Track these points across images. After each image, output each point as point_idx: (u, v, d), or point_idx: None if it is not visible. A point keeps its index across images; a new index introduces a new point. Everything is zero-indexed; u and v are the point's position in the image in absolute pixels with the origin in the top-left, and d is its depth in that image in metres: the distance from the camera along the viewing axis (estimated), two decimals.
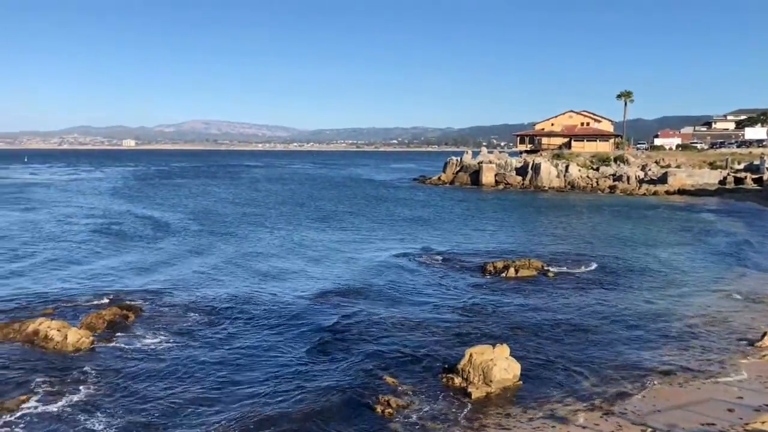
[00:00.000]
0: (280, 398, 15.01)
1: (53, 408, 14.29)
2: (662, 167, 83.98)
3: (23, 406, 14.34)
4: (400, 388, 15.65)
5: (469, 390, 15.42)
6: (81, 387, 15.53)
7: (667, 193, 74.95)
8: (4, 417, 13.75)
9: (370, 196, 75.99)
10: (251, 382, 16.06)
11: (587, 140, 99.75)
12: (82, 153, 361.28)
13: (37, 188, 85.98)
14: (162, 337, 19.59)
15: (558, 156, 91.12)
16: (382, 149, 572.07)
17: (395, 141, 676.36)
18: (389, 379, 16.17)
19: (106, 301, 23.53)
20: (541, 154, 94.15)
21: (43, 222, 47.43)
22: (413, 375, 16.61)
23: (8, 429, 13.29)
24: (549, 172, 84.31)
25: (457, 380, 15.98)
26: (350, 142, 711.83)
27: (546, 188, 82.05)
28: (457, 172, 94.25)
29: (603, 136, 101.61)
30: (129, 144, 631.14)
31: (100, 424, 13.58)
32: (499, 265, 30.04)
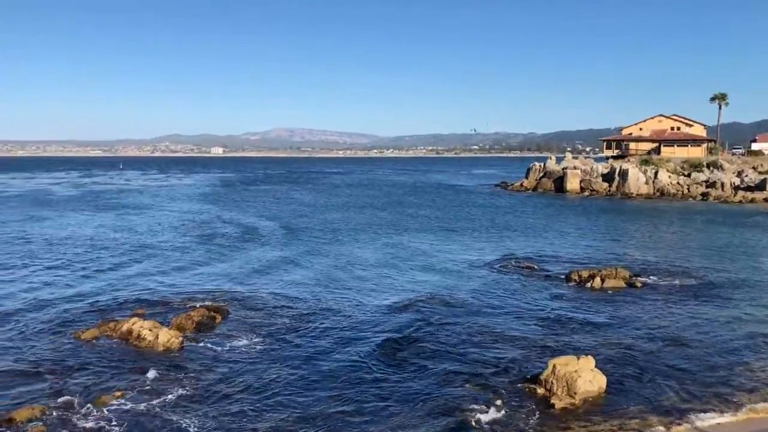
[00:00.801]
0: (364, 405, 15.03)
1: (142, 405, 14.86)
2: (761, 173, 79.25)
3: (115, 401, 15.00)
4: (482, 397, 15.38)
5: (552, 401, 15.01)
6: (170, 386, 16.09)
7: (766, 200, 70.71)
8: (98, 411, 14.42)
9: (451, 202, 75.56)
10: (333, 389, 16.16)
11: (678, 145, 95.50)
12: (173, 160, 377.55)
13: (130, 194, 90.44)
14: (247, 340, 20.07)
15: (646, 162, 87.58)
16: (462, 155, 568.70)
17: (476, 147, 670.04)
18: (472, 388, 15.94)
19: (194, 302, 24.37)
20: (628, 160, 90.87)
21: (136, 226, 49.77)
22: (496, 384, 16.27)
23: (103, 423, 13.92)
24: (637, 179, 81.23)
25: (540, 391, 15.57)
26: (430, 148, 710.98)
27: (633, 195, 79.02)
28: (541, 178, 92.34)
29: (695, 141, 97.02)
30: (217, 151, 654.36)
31: (187, 423, 14.01)
32: (585, 274, 29.07)
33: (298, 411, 14.68)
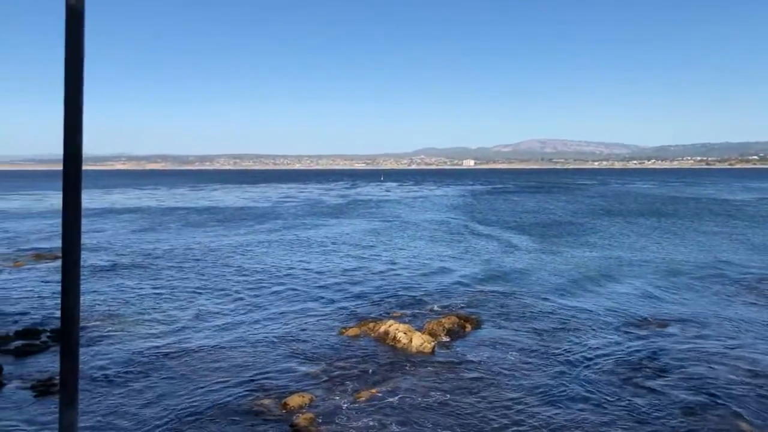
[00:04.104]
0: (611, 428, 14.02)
1: (397, 403, 15.50)
2: None
3: (374, 396, 15.88)
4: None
5: None
6: (423, 387, 16.60)
7: None
8: (358, 404, 15.40)
9: (720, 216, 67.71)
10: (583, 411, 15.32)
11: None
12: (427, 172, 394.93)
13: (389, 203, 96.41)
14: (496, 351, 19.97)
15: None
16: (737, 166, 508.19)
17: (755, 156, 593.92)
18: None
19: (446, 309, 24.99)
20: None
21: (393, 232, 52.79)
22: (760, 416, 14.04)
23: (362, 415, 14.82)
24: None
25: None
26: (698, 158, 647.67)
27: None
28: None
29: None
30: (468, 163, 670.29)
31: (435, 425, 14.30)
32: None
33: (550, 428, 14.16)
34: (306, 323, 23.23)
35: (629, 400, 15.91)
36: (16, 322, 23.11)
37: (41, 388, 16.38)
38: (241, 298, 27.43)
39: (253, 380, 17.18)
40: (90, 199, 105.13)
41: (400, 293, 28.60)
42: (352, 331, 21.64)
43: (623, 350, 20.07)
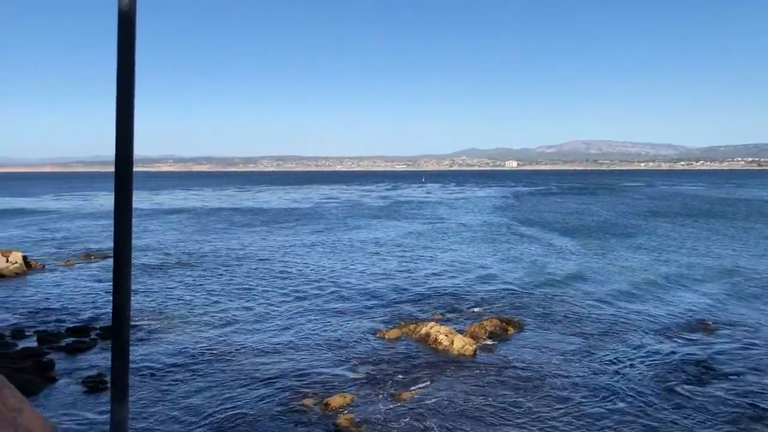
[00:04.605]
0: None
1: (439, 406, 15.48)
2: None
3: (414, 398, 15.88)
4: None
5: None
6: (463, 390, 16.53)
7: None
8: (399, 405, 15.42)
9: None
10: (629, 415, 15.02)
11: None
12: (469, 173, 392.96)
13: (430, 205, 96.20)
14: (539, 354, 19.73)
15: None
16: None
17: None
18: None
19: (488, 311, 24.81)
20: None
21: (434, 234, 52.66)
22: None
23: (403, 416, 14.82)
24: None
25: None
26: (750, 159, 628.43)
27: None
28: None
29: None
30: (511, 165, 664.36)
31: (470, 428, 14.21)
32: None
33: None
34: (347, 324, 23.35)
35: (675, 407, 15.54)
36: (66, 320, 23.84)
37: (91, 384, 16.87)
38: (284, 299, 27.75)
39: (295, 380, 17.36)
40: (139, 200, 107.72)
41: (441, 295, 28.51)
42: (393, 333, 21.67)
43: (670, 355, 19.61)
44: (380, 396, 16.13)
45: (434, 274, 34.07)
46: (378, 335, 21.75)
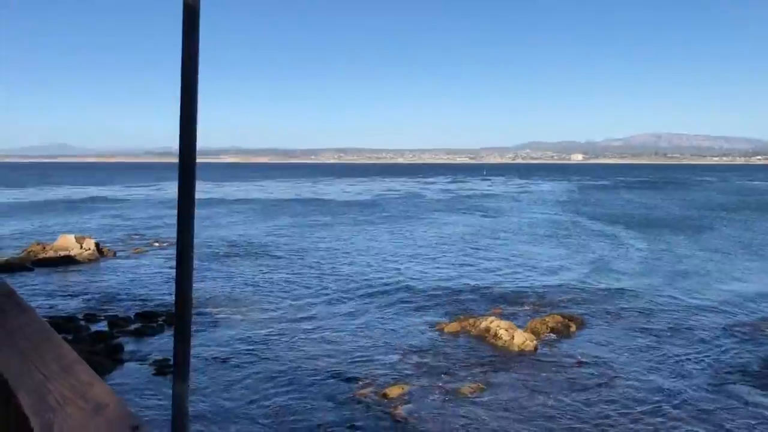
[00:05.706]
0: None
1: (498, 402, 15.26)
2: None
3: (473, 394, 15.69)
4: None
5: None
6: (524, 387, 16.24)
7: None
8: (457, 399, 15.28)
9: None
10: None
11: None
12: (532, 167, 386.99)
13: (491, 198, 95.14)
14: (602, 352, 19.19)
15: None
16: None
17: None
18: None
19: (550, 307, 24.32)
20: None
21: (495, 228, 52.00)
22: None
23: (460, 411, 14.69)
24: None
25: None
26: None
27: None
28: None
29: None
30: (576, 158, 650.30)
31: (531, 426, 13.94)
32: None
33: None
34: (406, 317, 23.30)
35: (745, 411, 14.85)
36: (135, 305, 24.67)
37: (158, 367, 17.39)
38: (345, 289, 27.93)
39: (353, 369, 17.43)
40: (202, 191, 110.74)
41: (502, 290, 28.11)
42: (452, 327, 21.48)
43: (742, 356, 18.75)
44: (438, 389, 16.02)
45: (495, 268, 33.64)
46: (437, 328, 21.61)
